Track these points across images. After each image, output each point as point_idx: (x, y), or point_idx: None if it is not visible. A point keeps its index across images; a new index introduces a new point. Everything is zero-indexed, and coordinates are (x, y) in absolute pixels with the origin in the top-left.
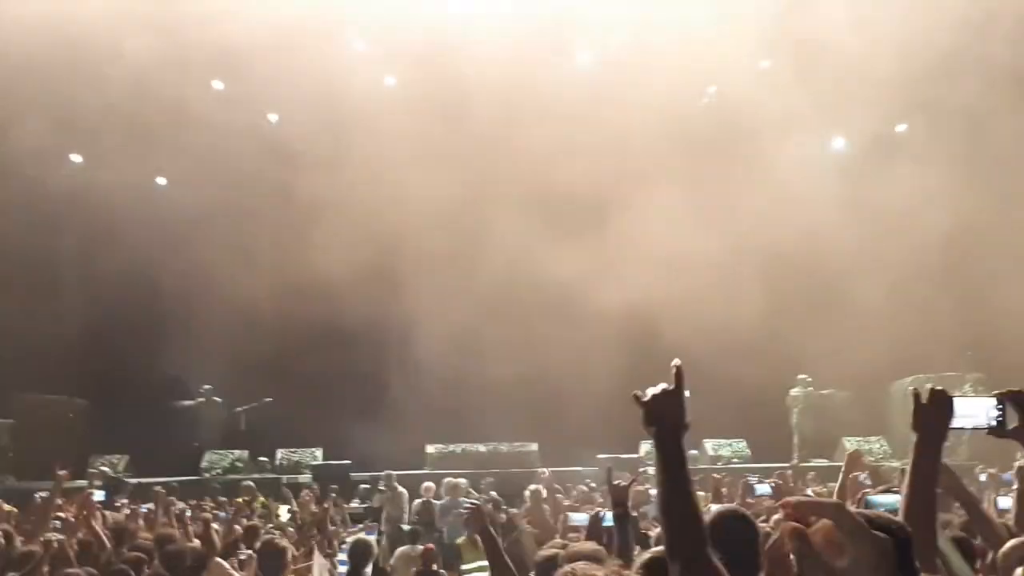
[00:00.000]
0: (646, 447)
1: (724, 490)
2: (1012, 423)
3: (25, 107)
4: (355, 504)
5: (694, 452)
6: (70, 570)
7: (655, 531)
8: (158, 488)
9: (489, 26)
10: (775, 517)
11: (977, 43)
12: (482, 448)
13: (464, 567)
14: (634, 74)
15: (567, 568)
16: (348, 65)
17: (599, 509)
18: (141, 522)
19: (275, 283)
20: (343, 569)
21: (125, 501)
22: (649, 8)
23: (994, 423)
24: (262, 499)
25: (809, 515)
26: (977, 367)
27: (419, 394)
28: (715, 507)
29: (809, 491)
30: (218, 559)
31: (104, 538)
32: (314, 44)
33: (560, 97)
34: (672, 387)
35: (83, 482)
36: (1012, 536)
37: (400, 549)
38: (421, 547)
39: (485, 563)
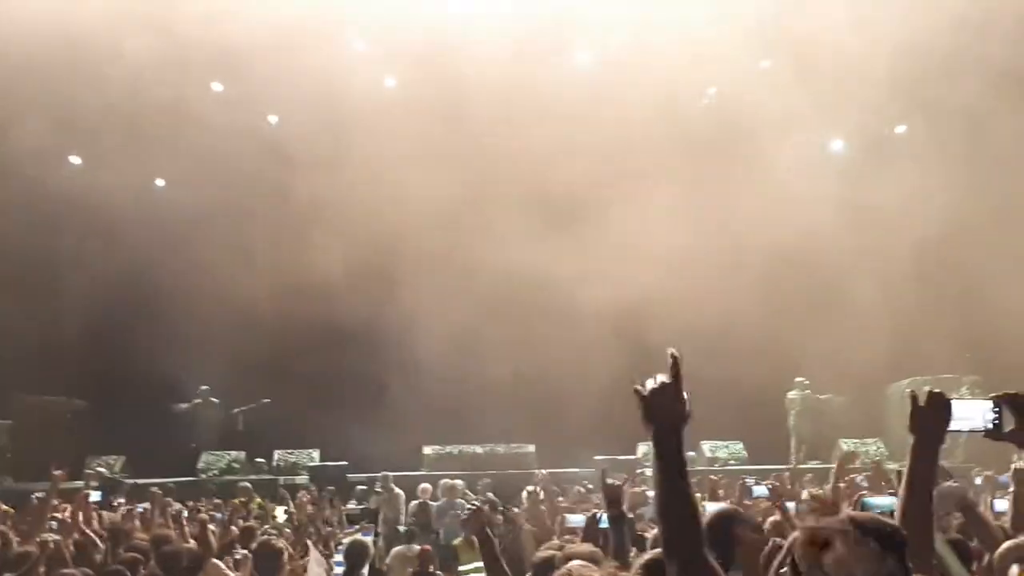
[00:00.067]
0: (643, 448)
1: (721, 492)
2: (1009, 426)
3: (24, 107)
4: (352, 505)
5: (691, 454)
6: (66, 571)
7: (651, 532)
8: (154, 489)
9: (489, 26)
10: (771, 518)
11: (976, 43)
12: (479, 449)
13: (461, 568)
14: (633, 74)
15: (564, 569)
16: (348, 66)
17: (595, 511)
18: (137, 523)
19: (274, 284)
20: (339, 570)
21: (122, 501)
22: (648, 8)
23: (991, 426)
24: (259, 500)
25: (820, 538)
26: (975, 369)
27: (417, 395)
28: (710, 506)
29: (805, 493)
30: (214, 560)
31: (98, 539)
32: (314, 45)
33: (559, 97)
34: (670, 379)
35: (80, 483)
36: (1008, 538)
37: (396, 549)
38: (417, 547)
39: (481, 564)
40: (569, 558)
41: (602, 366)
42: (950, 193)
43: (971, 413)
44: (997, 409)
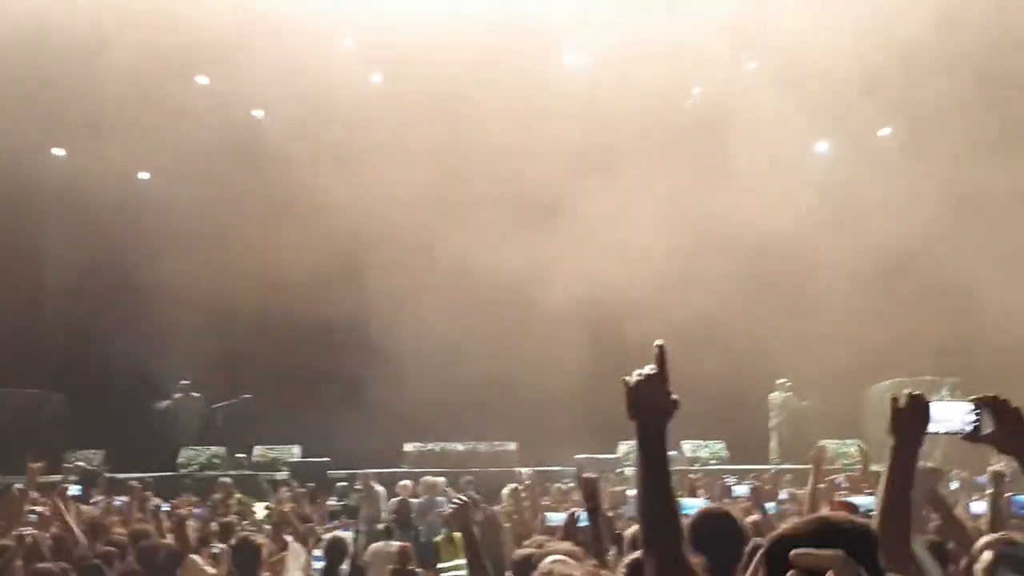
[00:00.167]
0: (624, 447)
1: (701, 491)
2: (987, 429)
3: (6, 99)
4: (332, 501)
5: (672, 453)
6: (43, 564)
7: (629, 531)
8: (133, 483)
9: (475, 25)
10: (750, 518)
11: (960, 45)
12: (460, 447)
13: (441, 565)
14: (619, 73)
15: (545, 567)
16: (333, 61)
17: (575, 509)
18: (115, 517)
19: (256, 279)
20: (319, 565)
21: (101, 499)
22: (634, 8)
23: (970, 428)
24: (239, 496)
25: (812, 565)
26: (955, 371)
27: (398, 391)
28: (687, 502)
29: (783, 493)
30: (193, 556)
31: (78, 533)
32: (300, 39)
33: (544, 96)
34: (655, 370)
35: (58, 477)
36: None
37: (375, 545)
38: (396, 544)
39: (462, 562)
40: (548, 556)
41: (584, 364)
42: (932, 195)
43: (950, 415)
44: (977, 412)
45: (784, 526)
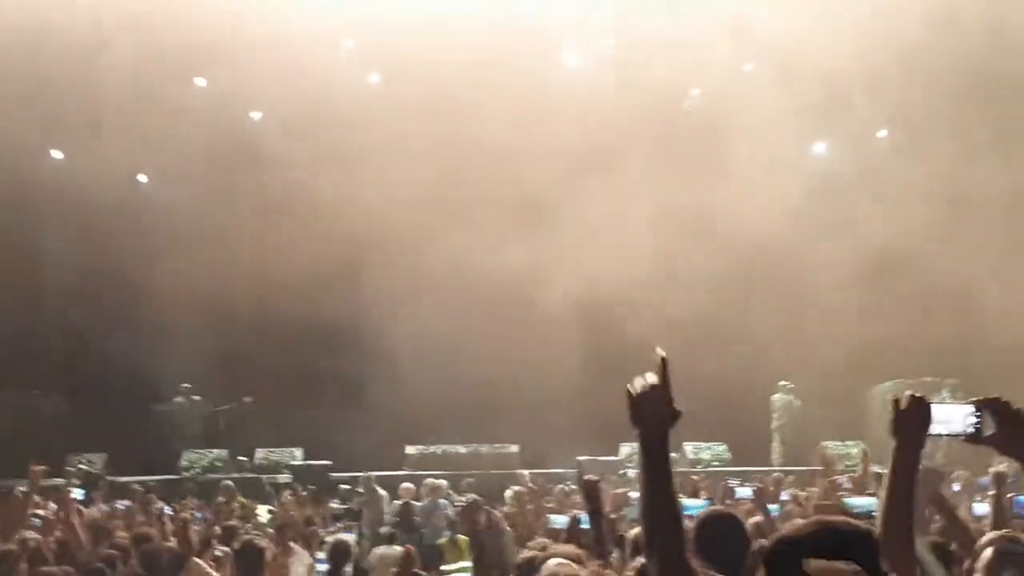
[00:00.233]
0: (626, 449)
1: (703, 493)
2: (989, 430)
3: (3, 100)
4: (335, 504)
5: (674, 455)
6: (47, 568)
7: (631, 533)
8: (136, 486)
9: (473, 25)
10: (753, 520)
11: (960, 46)
12: (462, 449)
13: (444, 568)
14: (617, 74)
15: (548, 569)
16: (331, 62)
17: (577, 512)
18: (118, 520)
19: (257, 281)
20: (322, 568)
21: (103, 506)
22: (632, 10)
23: (971, 430)
24: (241, 499)
25: None
26: (954, 371)
27: (398, 393)
28: (689, 502)
29: (785, 494)
30: (196, 559)
31: (82, 536)
32: (298, 40)
33: (544, 96)
34: (657, 380)
35: (61, 480)
36: None
37: (379, 549)
38: (399, 547)
39: (466, 564)
40: (552, 558)
41: (584, 364)
42: (932, 195)
43: (952, 417)
44: (978, 413)
45: (786, 528)
